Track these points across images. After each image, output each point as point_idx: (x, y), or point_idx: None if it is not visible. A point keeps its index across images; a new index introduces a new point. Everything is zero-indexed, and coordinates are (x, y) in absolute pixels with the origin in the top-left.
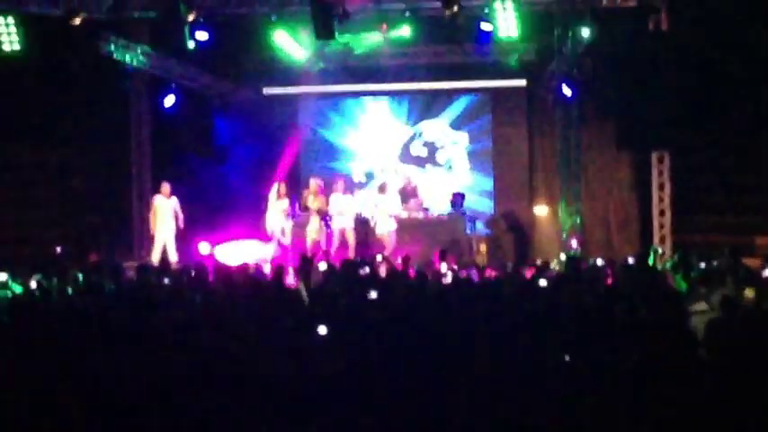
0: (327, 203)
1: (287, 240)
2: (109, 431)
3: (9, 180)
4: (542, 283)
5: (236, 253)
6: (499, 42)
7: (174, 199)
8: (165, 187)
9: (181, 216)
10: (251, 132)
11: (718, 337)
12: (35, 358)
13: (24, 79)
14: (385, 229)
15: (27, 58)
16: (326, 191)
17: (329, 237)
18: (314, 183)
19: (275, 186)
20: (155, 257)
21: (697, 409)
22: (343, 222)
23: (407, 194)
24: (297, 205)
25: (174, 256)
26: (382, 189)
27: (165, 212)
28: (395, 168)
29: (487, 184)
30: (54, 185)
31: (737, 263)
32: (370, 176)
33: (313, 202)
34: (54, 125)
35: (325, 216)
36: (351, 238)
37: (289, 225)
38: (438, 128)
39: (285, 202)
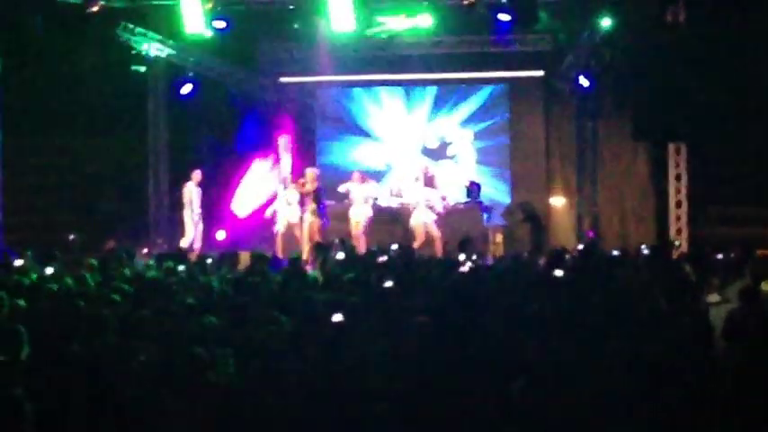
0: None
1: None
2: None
3: (25, 167)
4: (557, 273)
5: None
6: (517, 33)
7: (199, 189)
8: (196, 174)
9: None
10: (268, 121)
11: (738, 327)
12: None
13: (42, 65)
14: (421, 219)
15: (45, 44)
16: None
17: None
18: (311, 171)
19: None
20: (185, 242)
21: (714, 400)
22: (359, 213)
23: (425, 184)
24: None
25: (197, 244)
26: (427, 181)
27: (195, 200)
28: (412, 158)
29: (503, 174)
30: (70, 172)
31: (752, 255)
32: (388, 167)
33: (310, 189)
34: (71, 112)
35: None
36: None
37: (291, 213)
38: (449, 121)
39: (291, 191)
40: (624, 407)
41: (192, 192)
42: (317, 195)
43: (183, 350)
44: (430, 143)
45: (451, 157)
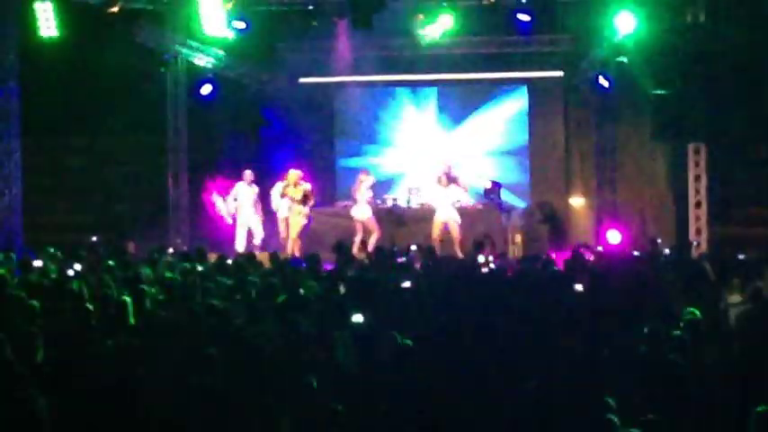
0: (311, 192)
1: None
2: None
3: (45, 167)
4: (578, 288)
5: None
6: (536, 33)
7: (256, 188)
8: (249, 175)
9: (259, 205)
10: (287, 121)
11: (748, 327)
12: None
13: (61, 66)
14: (440, 219)
15: (64, 45)
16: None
17: (308, 225)
18: (293, 173)
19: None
20: (239, 245)
21: (731, 398)
22: (363, 213)
23: (447, 185)
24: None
25: (258, 241)
26: (450, 180)
27: (246, 200)
28: (432, 159)
29: (522, 174)
30: (90, 173)
31: None
32: (406, 168)
33: (293, 191)
34: (91, 113)
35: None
36: (374, 228)
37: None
38: (468, 122)
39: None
40: (640, 407)
41: (240, 192)
42: (305, 197)
43: (202, 351)
44: (449, 144)
45: (472, 157)
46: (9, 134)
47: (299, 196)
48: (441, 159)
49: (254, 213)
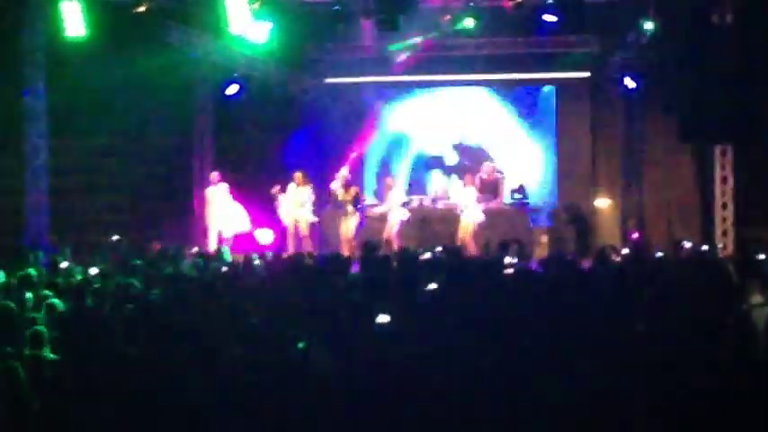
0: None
1: (303, 230)
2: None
3: (71, 167)
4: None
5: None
6: (563, 34)
7: (222, 186)
8: (212, 176)
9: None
10: (313, 121)
11: None
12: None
13: (88, 66)
14: (463, 222)
15: (91, 45)
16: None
17: (360, 226)
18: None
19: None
20: (211, 247)
21: (756, 400)
22: (398, 216)
23: (487, 186)
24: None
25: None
26: (468, 181)
27: (213, 201)
28: (457, 160)
29: (549, 175)
30: (116, 173)
31: None
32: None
33: (344, 194)
34: (117, 113)
35: (357, 204)
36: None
37: (304, 214)
38: (493, 123)
39: (304, 192)
40: (667, 408)
41: (209, 194)
42: (356, 198)
43: (224, 350)
44: (475, 143)
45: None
46: (35, 134)
47: (349, 198)
48: (463, 161)
49: (222, 215)
